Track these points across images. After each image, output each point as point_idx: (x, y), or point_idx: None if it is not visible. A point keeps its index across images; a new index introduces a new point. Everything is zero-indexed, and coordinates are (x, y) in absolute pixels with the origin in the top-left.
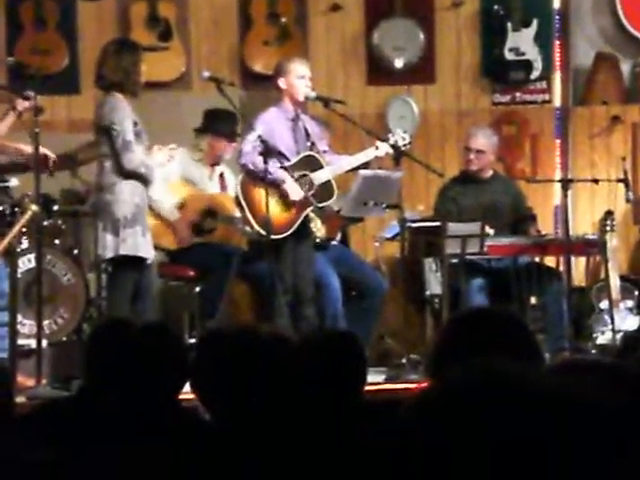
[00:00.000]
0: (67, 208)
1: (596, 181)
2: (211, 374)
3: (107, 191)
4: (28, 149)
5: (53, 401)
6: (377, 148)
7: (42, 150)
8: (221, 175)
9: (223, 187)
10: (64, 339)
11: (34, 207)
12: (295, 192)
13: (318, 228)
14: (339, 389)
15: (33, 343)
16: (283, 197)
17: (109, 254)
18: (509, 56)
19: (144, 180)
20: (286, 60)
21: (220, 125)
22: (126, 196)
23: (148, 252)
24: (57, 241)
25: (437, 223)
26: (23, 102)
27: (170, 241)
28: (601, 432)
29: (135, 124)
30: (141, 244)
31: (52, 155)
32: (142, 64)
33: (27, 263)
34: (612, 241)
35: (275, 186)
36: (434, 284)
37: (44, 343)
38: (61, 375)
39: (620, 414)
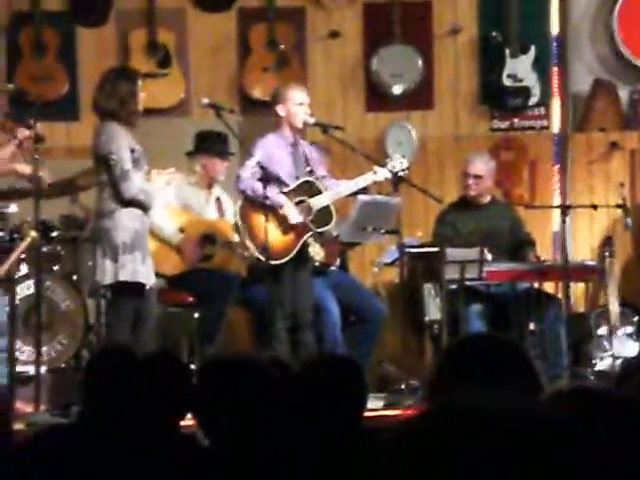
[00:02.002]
0: (66, 234)
1: (595, 207)
2: (213, 401)
3: (106, 217)
4: (24, 169)
5: (52, 428)
6: (375, 172)
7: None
8: (218, 199)
9: (220, 211)
10: (63, 365)
11: (33, 233)
12: (294, 216)
13: (317, 252)
14: (340, 414)
15: (32, 369)
16: (282, 222)
17: (108, 280)
18: (507, 82)
19: (144, 207)
20: (284, 87)
21: (211, 145)
22: (125, 222)
23: (148, 278)
24: (56, 267)
25: (436, 249)
26: (24, 131)
27: (171, 266)
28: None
29: (132, 151)
30: (140, 270)
31: (46, 179)
32: (140, 93)
33: (26, 289)
34: (611, 267)
35: (274, 211)
36: (433, 310)
37: (43, 369)
38: (60, 402)
39: (599, 441)
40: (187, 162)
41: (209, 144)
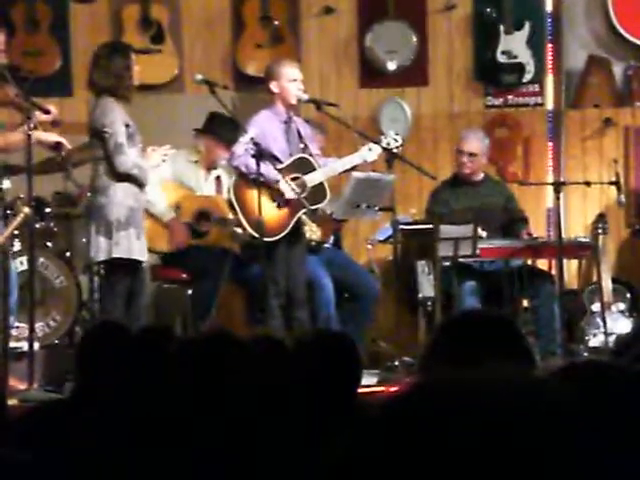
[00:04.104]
0: (60, 211)
1: (588, 184)
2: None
3: (101, 193)
4: (47, 136)
5: (45, 404)
6: (370, 149)
7: (56, 138)
8: (218, 178)
9: (219, 190)
10: (56, 342)
11: (26, 209)
12: (289, 191)
13: (314, 231)
14: (334, 391)
15: (25, 346)
16: (276, 199)
17: (102, 257)
18: (501, 59)
19: (138, 182)
20: (277, 63)
21: (222, 130)
22: (120, 198)
23: (142, 255)
24: (49, 244)
25: (429, 226)
26: (41, 115)
27: (164, 243)
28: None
29: (127, 126)
30: (135, 247)
31: (66, 143)
32: (134, 66)
33: (19, 266)
34: (604, 244)
35: (268, 187)
36: (427, 287)
37: (36, 346)
38: (53, 378)
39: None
40: (190, 139)
41: (220, 129)
